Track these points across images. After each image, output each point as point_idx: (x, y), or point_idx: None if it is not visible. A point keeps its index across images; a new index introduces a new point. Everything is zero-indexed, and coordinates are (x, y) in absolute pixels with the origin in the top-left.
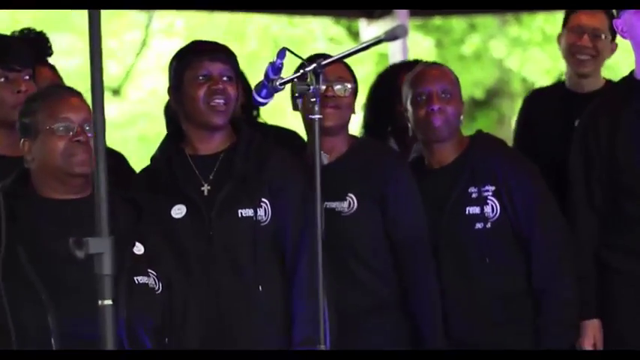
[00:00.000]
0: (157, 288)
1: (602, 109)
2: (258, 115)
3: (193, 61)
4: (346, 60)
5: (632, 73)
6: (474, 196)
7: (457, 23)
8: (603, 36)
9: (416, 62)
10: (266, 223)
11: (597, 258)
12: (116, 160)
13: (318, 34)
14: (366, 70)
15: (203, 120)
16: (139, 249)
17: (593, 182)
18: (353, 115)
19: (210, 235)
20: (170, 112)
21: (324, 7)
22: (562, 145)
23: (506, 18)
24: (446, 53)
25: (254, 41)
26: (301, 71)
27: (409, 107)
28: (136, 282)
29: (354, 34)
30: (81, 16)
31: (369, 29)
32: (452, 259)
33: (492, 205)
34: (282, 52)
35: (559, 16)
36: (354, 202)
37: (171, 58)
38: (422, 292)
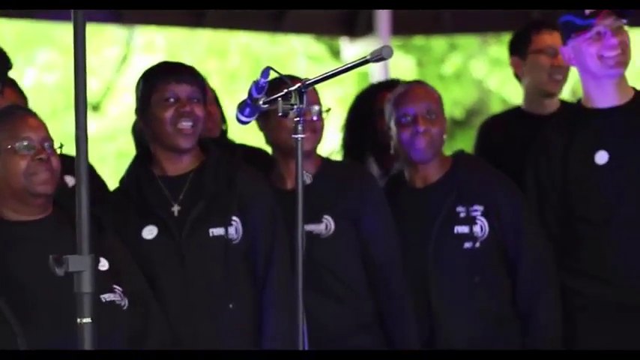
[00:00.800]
0: (123, 304)
1: (552, 137)
2: (226, 131)
3: (160, 83)
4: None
5: (579, 100)
6: (462, 215)
7: (437, 43)
8: None
9: (394, 82)
10: (237, 241)
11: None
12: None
13: (299, 52)
14: (346, 90)
15: (170, 143)
16: (102, 264)
17: (548, 211)
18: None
19: (182, 255)
20: (138, 132)
21: (306, 25)
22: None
23: (486, 38)
24: (426, 73)
25: (235, 58)
26: (285, 91)
27: (393, 127)
28: (103, 300)
29: (336, 53)
30: (63, 31)
31: (351, 48)
32: (440, 278)
33: (481, 225)
34: (266, 72)
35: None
36: (330, 225)
37: (137, 79)
38: (397, 313)
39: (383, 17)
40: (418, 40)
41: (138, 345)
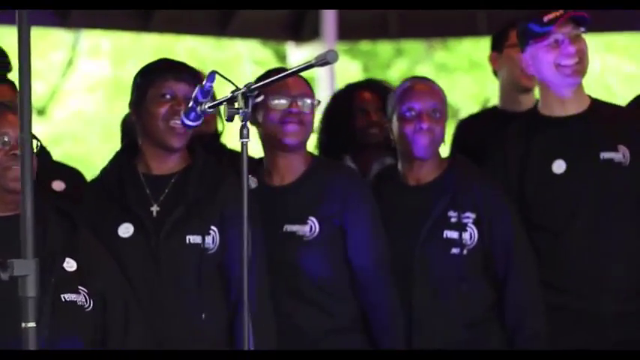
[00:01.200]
0: (86, 305)
1: (509, 146)
2: (220, 133)
3: (158, 79)
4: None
5: (536, 106)
6: (453, 220)
7: (383, 48)
8: None
9: (371, 81)
10: (213, 251)
11: None
12: (73, 177)
13: (245, 57)
14: None
15: (160, 139)
16: (70, 265)
17: None
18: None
19: (158, 258)
20: (127, 126)
21: (252, 30)
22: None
23: (432, 43)
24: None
25: None
26: (230, 94)
27: (395, 121)
28: (63, 299)
29: (282, 57)
30: (4, 34)
31: (297, 52)
32: (425, 280)
33: (471, 233)
34: (211, 76)
35: (485, 42)
36: (315, 226)
37: (136, 72)
38: (383, 317)
39: (329, 22)
40: (364, 45)
41: (106, 345)
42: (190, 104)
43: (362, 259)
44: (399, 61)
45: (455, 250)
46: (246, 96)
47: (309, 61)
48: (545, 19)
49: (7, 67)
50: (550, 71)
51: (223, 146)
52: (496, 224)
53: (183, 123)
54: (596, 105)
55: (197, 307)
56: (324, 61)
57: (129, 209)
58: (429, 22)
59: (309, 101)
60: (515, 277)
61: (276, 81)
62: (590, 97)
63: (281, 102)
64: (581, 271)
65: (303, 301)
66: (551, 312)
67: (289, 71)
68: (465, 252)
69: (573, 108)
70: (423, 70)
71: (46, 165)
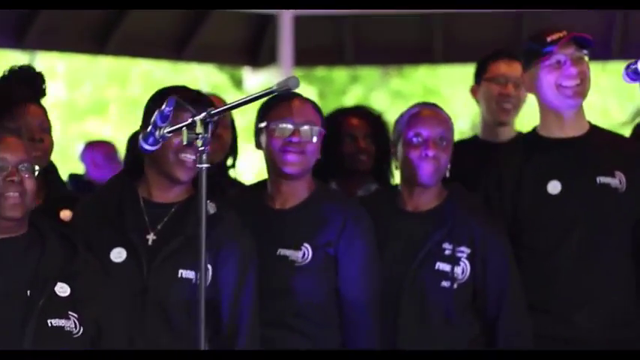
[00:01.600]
0: (75, 331)
1: (504, 165)
2: (230, 165)
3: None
4: (232, 110)
5: (535, 128)
6: (447, 252)
7: (339, 74)
8: (521, 85)
9: (359, 108)
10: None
11: None
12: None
13: (201, 81)
14: (248, 119)
15: (168, 171)
16: (63, 290)
17: None
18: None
19: (146, 287)
20: (133, 143)
21: (208, 54)
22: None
23: (388, 70)
24: (327, 104)
25: (137, 86)
26: (190, 120)
27: (400, 146)
28: (49, 324)
29: (238, 82)
30: None
31: (253, 78)
32: (413, 310)
33: (463, 268)
34: (170, 101)
35: (441, 70)
36: (308, 253)
37: (149, 96)
38: (362, 344)
39: (286, 47)
40: (320, 71)
41: None
42: (149, 129)
43: (352, 294)
44: (354, 87)
45: (445, 284)
46: (205, 122)
47: (271, 88)
48: (548, 39)
49: (44, 92)
50: (551, 92)
51: (231, 179)
52: (491, 260)
53: (141, 147)
54: (596, 130)
55: (182, 342)
56: (285, 87)
57: (124, 233)
58: (385, 49)
59: (313, 128)
60: (509, 314)
61: (238, 106)
62: (589, 122)
63: (284, 128)
64: (566, 293)
65: (285, 327)
66: (538, 339)
67: (250, 96)
68: (455, 286)
69: (572, 130)
70: (379, 97)
71: (56, 192)
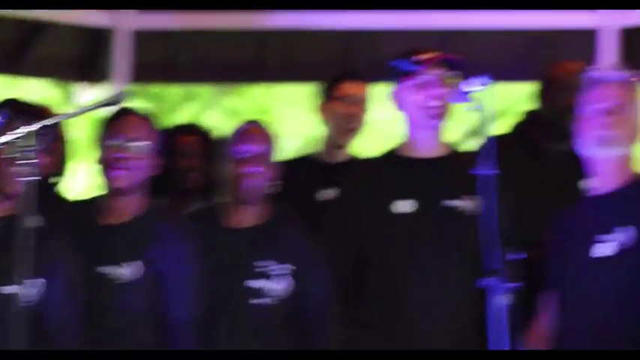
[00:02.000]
0: None
1: (358, 185)
2: (62, 180)
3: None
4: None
5: (394, 148)
6: (263, 269)
7: (173, 91)
8: (366, 107)
9: (193, 126)
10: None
11: None
12: None
13: (35, 96)
14: (80, 133)
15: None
16: None
17: (341, 255)
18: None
19: None
20: None
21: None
22: (314, 215)
23: (223, 88)
24: (162, 120)
25: None
26: (25, 132)
27: (225, 162)
28: None
29: (71, 98)
30: None
31: (85, 93)
32: (234, 325)
33: (282, 284)
34: (3, 113)
35: (275, 89)
36: (133, 270)
37: None
38: None
39: (121, 63)
40: (154, 88)
41: None
42: None
43: (175, 312)
44: (188, 104)
45: (260, 300)
46: (37, 133)
47: (101, 101)
48: (415, 58)
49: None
50: (415, 111)
51: (60, 195)
52: (310, 277)
53: None
54: (453, 152)
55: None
56: (112, 101)
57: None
58: (220, 67)
59: (142, 144)
60: (325, 327)
61: (68, 118)
62: (448, 143)
63: (112, 145)
64: (412, 312)
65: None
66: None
67: (81, 109)
68: (270, 302)
69: (433, 151)
70: (213, 115)
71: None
